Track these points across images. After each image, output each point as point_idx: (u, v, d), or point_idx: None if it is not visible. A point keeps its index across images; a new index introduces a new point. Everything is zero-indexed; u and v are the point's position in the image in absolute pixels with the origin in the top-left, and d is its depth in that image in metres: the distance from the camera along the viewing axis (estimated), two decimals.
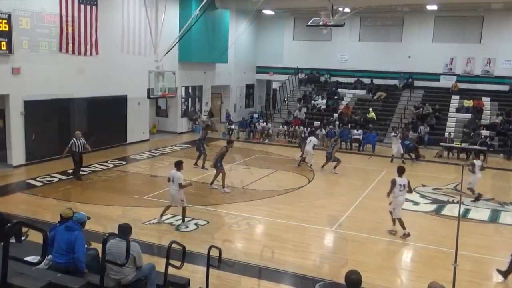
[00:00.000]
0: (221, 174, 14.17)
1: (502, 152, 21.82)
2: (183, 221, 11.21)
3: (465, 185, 15.04)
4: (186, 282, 6.99)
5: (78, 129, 15.61)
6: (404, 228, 10.80)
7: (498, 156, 21.64)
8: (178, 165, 11.06)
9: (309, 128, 23.86)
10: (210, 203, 12.99)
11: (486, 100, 25.56)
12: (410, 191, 11.17)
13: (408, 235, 10.77)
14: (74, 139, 14.77)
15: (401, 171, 11.16)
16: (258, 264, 9.09)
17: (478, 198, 14.22)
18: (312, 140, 18.18)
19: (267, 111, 28.86)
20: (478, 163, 14.63)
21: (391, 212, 11.13)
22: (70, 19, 17.63)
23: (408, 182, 11.04)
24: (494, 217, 12.79)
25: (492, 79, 26.64)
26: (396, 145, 19.85)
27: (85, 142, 14.99)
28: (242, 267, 8.93)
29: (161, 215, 11.30)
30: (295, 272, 8.85)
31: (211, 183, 14.43)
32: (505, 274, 8.81)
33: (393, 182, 10.91)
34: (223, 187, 14.11)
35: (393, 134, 20.42)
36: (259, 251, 9.79)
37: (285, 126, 24.99)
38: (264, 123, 25.20)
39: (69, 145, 14.71)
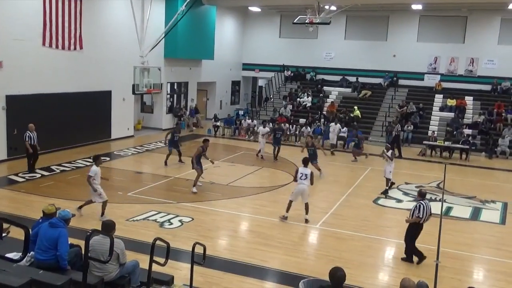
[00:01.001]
0: (197, 173, 13.91)
1: (484, 151, 22.16)
2: (102, 215, 11.00)
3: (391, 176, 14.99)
4: (170, 279, 6.98)
5: (33, 122, 15.43)
6: (287, 211, 11.57)
7: (480, 154, 21.98)
8: (95, 159, 11.16)
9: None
10: (195, 200, 12.96)
11: (469, 100, 25.91)
12: (311, 182, 11.62)
13: (286, 218, 11.52)
14: (29, 132, 14.88)
15: (305, 161, 11.94)
16: (243, 261, 9.10)
17: (388, 190, 14.60)
18: (260, 130, 19.89)
19: (252, 108, 28.87)
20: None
21: (306, 203, 11.62)
22: (54, 13, 17.40)
23: (311, 174, 11.59)
24: (475, 215, 12.98)
25: (475, 78, 27.03)
26: (332, 134, 21.60)
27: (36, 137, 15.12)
28: (227, 264, 8.94)
29: (80, 207, 11.11)
30: (280, 269, 8.89)
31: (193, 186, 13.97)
32: (408, 258, 9.41)
33: (296, 171, 11.72)
34: (194, 185, 13.79)
35: (332, 123, 22.15)
36: (243, 248, 9.81)
37: (271, 124, 24.99)
38: (250, 120, 25.21)
39: (26, 139, 14.79)
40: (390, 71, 28.42)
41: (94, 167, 10.88)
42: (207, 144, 14.16)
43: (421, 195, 9.55)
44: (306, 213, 11.61)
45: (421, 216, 9.24)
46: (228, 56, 30.70)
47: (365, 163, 19.35)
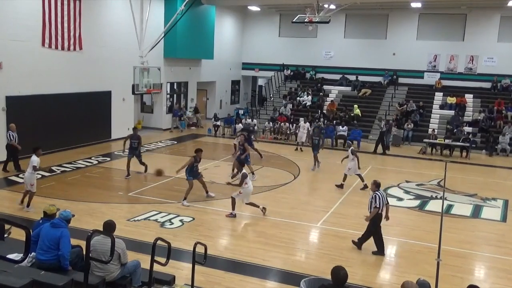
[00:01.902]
0: (189, 185, 12.72)
1: (484, 149, 22.16)
2: (28, 206, 11.51)
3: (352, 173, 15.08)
4: (171, 279, 6.98)
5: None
6: (233, 209, 11.67)
7: (481, 152, 21.97)
8: (35, 150, 11.50)
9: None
10: (195, 199, 12.94)
11: (469, 97, 25.90)
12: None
13: (234, 216, 11.63)
14: (11, 131, 15.00)
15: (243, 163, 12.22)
16: (244, 260, 9.10)
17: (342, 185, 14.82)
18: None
19: (252, 108, 28.87)
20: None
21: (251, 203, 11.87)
22: (53, 13, 17.39)
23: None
24: (476, 213, 12.97)
25: (475, 76, 27.04)
26: (301, 132, 21.30)
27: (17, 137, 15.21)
28: (228, 264, 8.93)
29: (22, 201, 11.64)
30: (281, 268, 8.88)
31: (206, 193, 13.30)
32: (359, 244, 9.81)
33: (244, 176, 11.72)
34: (184, 198, 12.54)
35: (302, 121, 21.84)
36: (244, 248, 9.80)
37: (271, 123, 25.02)
38: (250, 120, 25.20)
39: (12, 138, 14.91)
40: (390, 69, 28.41)
41: (35, 157, 11.34)
42: (199, 154, 12.87)
43: (376, 185, 9.77)
44: (258, 206, 11.81)
45: (378, 206, 9.48)
46: (227, 56, 30.69)
47: (364, 161, 19.28)
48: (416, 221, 12.15)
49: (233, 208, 11.67)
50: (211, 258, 8.28)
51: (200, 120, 27.59)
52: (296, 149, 21.30)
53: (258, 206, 11.84)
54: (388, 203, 9.83)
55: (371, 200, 9.62)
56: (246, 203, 11.78)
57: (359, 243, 9.83)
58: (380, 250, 9.67)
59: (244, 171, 11.77)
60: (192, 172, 12.76)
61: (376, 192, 9.63)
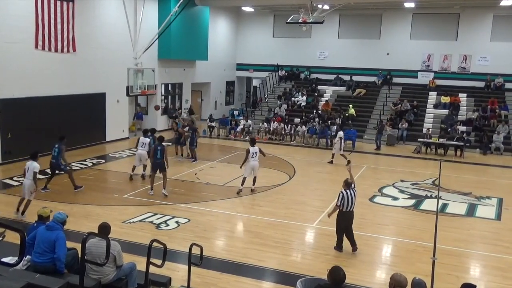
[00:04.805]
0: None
1: (478, 147, 22.26)
2: (23, 214, 11.08)
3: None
4: (168, 280, 6.97)
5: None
6: (242, 185, 13.70)
7: (475, 151, 22.08)
8: (33, 155, 11.31)
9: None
10: (191, 201, 12.94)
11: (462, 96, 26.04)
12: (263, 154, 14.19)
13: (241, 191, 13.62)
14: None
15: (253, 141, 14.10)
16: (240, 261, 9.09)
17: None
18: None
19: (247, 108, 28.86)
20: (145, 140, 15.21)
21: (255, 177, 13.82)
22: (46, 15, 17.32)
23: (260, 149, 13.89)
24: (471, 211, 13.03)
25: (468, 75, 27.17)
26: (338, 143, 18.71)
27: None
28: (224, 265, 8.92)
29: (18, 209, 11.22)
30: (277, 269, 8.88)
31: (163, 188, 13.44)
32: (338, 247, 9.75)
33: (247, 151, 13.65)
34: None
35: (337, 131, 20.53)
36: (240, 248, 9.80)
37: (266, 123, 25.02)
38: (245, 121, 25.20)
39: None
40: (384, 69, 28.52)
41: (35, 163, 11.25)
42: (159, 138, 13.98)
43: (347, 184, 9.75)
44: (253, 184, 13.88)
45: (338, 204, 9.54)
46: (222, 57, 30.69)
47: (359, 161, 19.34)
48: (411, 220, 12.18)
49: (242, 185, 13.65)
50: (207, 259, 8.27)
51: (195, 121, 27.51)
52: (331, 162, 18.66)
53: (253, 184, 13.89)
54: (353, 202, 9.67)
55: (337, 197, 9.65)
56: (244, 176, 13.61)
57: (337, 246, 9.78)
58: (338, 246, 9.77)
59: (248, 148, 13.76)
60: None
61: (342, 190, 9.59)
